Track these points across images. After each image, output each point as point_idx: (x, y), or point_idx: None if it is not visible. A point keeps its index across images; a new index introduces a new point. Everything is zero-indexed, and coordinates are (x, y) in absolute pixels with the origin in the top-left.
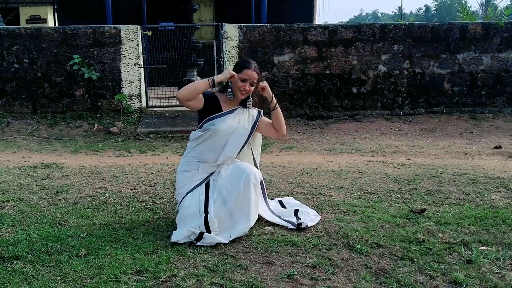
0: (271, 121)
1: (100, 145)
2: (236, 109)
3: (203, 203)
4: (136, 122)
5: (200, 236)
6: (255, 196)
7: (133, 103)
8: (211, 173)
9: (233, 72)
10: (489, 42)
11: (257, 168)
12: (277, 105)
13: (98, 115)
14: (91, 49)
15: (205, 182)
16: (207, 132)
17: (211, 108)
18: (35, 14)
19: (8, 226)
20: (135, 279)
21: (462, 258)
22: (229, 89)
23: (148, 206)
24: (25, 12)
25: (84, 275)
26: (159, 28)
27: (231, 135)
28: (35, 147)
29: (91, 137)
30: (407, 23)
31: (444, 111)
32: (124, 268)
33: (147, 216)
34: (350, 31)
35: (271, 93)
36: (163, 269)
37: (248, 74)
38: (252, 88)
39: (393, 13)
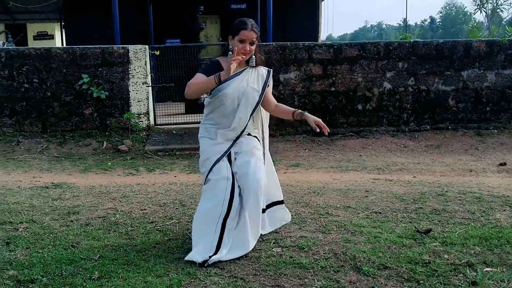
0: (273, 99)
1: (109, 163)
2: (242, 70)
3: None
4: (144, 140)
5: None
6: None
7: (141, 121)
8: (231, 144)
9: (234, 63)
10: (493, 59)
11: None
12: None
13: (107, 133)
14: (100, 69)
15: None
16: (217, 99)
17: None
18: (42, 30)
19: (22, 249)
20: None
21: (468, 280)
22: (229, 53)
23: (158, 227)
24: (32, 29)
25: None
26: (167, 47)
27: (242, 97)
28: (45, 166)
29: (100, 155)
30: (412, 41)
31: (449, 127)
32: None
33: (157, 238)
34: (355, 49)
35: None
36: None
37: (245, 35)
38: (253, 47)
39: (398, 25)
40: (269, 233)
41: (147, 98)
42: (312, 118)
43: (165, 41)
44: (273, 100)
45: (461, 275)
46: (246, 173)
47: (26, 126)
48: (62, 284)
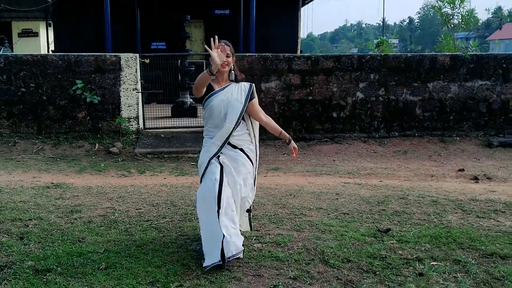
0: (261, 111)
1: (102, 165)
2: (226, 86)
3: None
4: (134, 143)
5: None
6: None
7: (131, 125)
8: (221, 146)
9: (222, 57)
10: (456, 72)
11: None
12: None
13: (98, 135)
14: (93, 75)
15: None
16: (207, 111)
17: (207, 92)
18: (27, 28)
19: (35, 243)
20: None
21: (416, 272)
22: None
23: (153, 225)
24: (17, 26)
25: (107, 285)
26: (156, 56)
27: (228, 107)
28: (43, 167)
29: (93, 157)
30: (383, 54)
31: (416, 134)
32: (139, 279)
33: (153, 234)
34: (331, 61)
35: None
36: (171, 280)
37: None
38: (230, 59)
39: (377, 24)
40: (251, 231)
41: (137, 103)
42: (291, 146)
43: (150, 44)
44: (261, 111)
45: (411, 267)
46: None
47: (22, 128)
48: (75, 273)
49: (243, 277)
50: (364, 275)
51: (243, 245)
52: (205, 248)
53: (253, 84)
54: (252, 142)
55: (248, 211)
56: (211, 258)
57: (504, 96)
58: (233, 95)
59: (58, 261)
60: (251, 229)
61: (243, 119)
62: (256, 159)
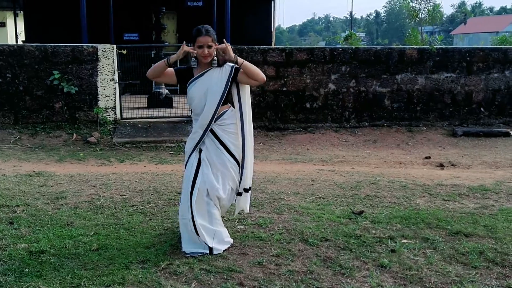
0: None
1: (82, 154)
2: (205, 72)
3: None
4: (112, 133)
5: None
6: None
7: (109, 115)
8: (203, 134)
9: (186, 48)
10: (423, 65)
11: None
12: (243, 61)
13: (75, 126)
14: (70, 66)
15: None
16: (189, 97)
17: (187, 79)
18: None
19: (25, 227)
20: (141, 267)
21: (388, 249)
22: (193, 58)
23: (139, 210)
24: None
25: (100, 264)
26: (134, 47)
27: (207, 93)
28: (22, 156)
29: (71, 146)
30: (354, 47)
31: (385, 124)
32: (131, 259)
33: (140, 218)
34: (304, 53)
35: (232, 54)
36: (161, 259)
37: (201, 41)
38: (212, 50)
39: (344, 18)
40: (233, 213)
41: (114, 94)
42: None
43: (123, 35)
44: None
45: (384, 245)
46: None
47: None
48: (68, 254)
49: (229, 256)
50: (341, 252)
51: (227, 226)
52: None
53: (236, 66)
54: (238, 137)
55: (246, 190)
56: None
57: (468, 88)
58: (213, 79)
59: (50, 244)
60: (246, 210)
61: (238, 104)
62: (244, 154)
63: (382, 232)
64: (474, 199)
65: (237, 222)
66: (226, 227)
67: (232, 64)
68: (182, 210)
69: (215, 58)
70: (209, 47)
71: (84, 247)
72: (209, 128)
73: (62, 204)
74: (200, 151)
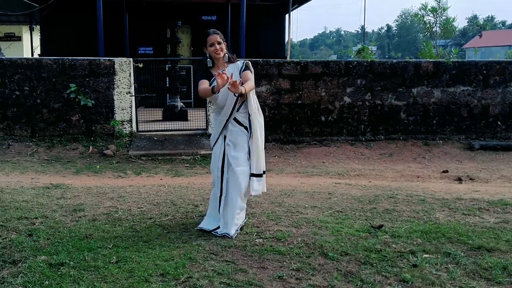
0: (251, 80)
1: (98, 166)
2: (224, 70)
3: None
4: (128, 145)
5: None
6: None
7: (125, 128)
8: (226, 122)
9: (223, 76)
10: (439, 78)
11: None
12: (245, 88)
13: (92, 138)
14: (87, 79)
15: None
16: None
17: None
18: (9, 32)
19: (44, 239)
20: (160, 280)
21: (410, 263)
22: (208, 59)
23: (157, 222)
24: None
25: (119, 277)
26: (150, 60)
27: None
28: (39, 169)
29: (87, 159)
30: (369, 60)
31: (401, 138)
32: (150, 271)
33: (158, 231)
34: (319, 66)
35: (240, 89)
36: (181, 272)
37: (211, 39)
38: (222, 45)
39: (355, 31)
40: (251, 227)
41: (130, 107)
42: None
43: (138, 48)
44: (250, 79)
45: (405, 260)
46: (234, 177)
47: (16, 131)
48: (87, 267)
49: (248, 269)
50: (362, 267)
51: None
52: (209, 212)
53: (246, 60)
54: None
55: (259, 175)
56: (209, 224)
57: (484, 101)
58: (231, 76)
59: (70, 256)
60: (259, 192)
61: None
62: (252, 131)
63: (402, 246)
64: (494, 214)
65: (256, 235)
66: (245, 240)
67: (243, 60)
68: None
69: (226, 54)
70: (219, 43)
71: (103, 260)
72: (233, 117)
73: (80, 217)
74: (225, 137)
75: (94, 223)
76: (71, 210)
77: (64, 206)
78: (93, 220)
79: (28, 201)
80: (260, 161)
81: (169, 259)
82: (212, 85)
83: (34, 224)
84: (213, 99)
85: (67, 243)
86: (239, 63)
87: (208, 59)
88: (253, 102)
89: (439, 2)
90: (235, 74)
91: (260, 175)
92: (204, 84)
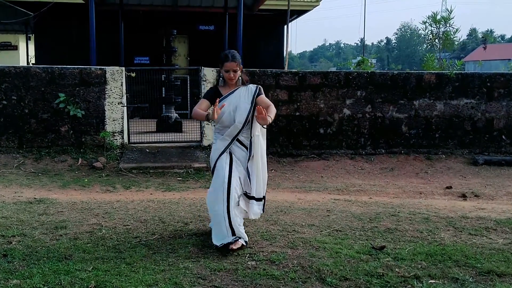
0: (269, 101)
1: (86, 180)
2: (235, 90)
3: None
4: (118, 158)
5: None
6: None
7: (116, 139)
8: (229, 142)
9: (220, 113)
10: (442, 90)
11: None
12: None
13: (81, 150)
14: (77, 88)
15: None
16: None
17: (216, 97)
18: (5, 41)
19: (19, 260)
20: None
21: None
22: (220, 78)
23: (142, 242)
24: None
25: None
26: (142, 69)
27: (236, 109)
28: (24, 182)
29: (76, 172)
30: (369, 71)
31: (402, 151)
32: None
33: (143, 252)
34: (318, 77)
35: (268, 120)
36: None
37: (227, 66)
38: (237, 73)
39: (355, 44)
40: (244, 248)
41: (122, 117)
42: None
43: (134, 58)
44: (268, 101)
45: (410, 286)
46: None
47: (2, 142)
48: None
49: None
50: None
51: (236, 262)
52: (215, 230)
53: (260, 87)
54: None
55: (259, 199)
56: (220, 238)
57: (488, 115)
58: (241, 97)
59: (45, 280)
60: (254, 217)
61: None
62: (253, 153)
63: (406, 270)
64: (502, 234)
65: (248, 257)
66: (236, 262)
67: (256, 85)
68: (215, 207)
69: (240, 78)
70: (235, 71)
71: (81, 285)
72: (237, 138)
73: (61, 235)
74: (230, 153)
75: (75, 242)
76: (52, 228)
77: (46, 223)
78: (74, 239)
79: (7, 217)
80: (260, 185)
81: (152, 284)
82: (208, 113)
83: (11, 243)
84: (217, 120)
85: (44, 265)
86: (252, 86)
87: (221, 79)
88: (258, 126)
89: (450, 12)
90: (246, 97)
91: (260, 199)
92: (201, 105)
